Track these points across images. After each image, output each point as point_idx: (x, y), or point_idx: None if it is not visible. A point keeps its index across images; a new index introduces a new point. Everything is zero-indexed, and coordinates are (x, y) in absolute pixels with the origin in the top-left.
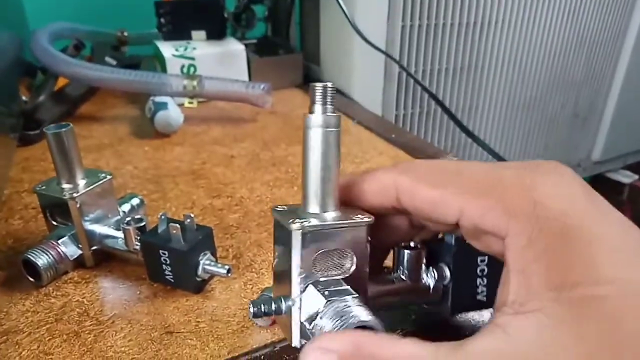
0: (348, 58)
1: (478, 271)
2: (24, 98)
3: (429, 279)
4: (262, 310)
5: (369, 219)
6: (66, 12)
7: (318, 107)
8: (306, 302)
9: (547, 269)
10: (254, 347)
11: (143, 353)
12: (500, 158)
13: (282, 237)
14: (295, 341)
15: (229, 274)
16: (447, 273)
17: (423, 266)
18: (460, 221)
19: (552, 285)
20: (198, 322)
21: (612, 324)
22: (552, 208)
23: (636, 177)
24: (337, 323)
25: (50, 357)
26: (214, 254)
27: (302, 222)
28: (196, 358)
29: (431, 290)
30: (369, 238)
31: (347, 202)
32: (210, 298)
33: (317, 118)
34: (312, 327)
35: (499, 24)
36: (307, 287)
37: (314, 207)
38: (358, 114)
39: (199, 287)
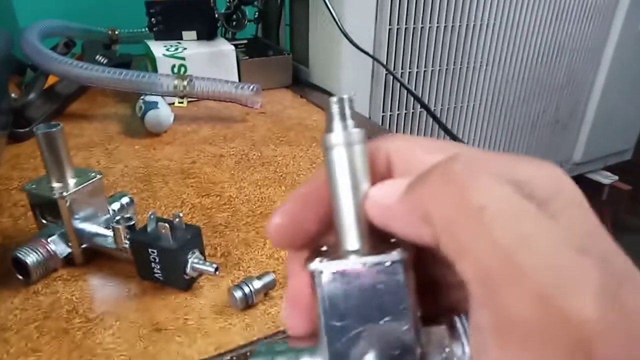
0: (336, 60)
1: None
2: (13, 95)
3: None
4: None
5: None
6: (56, 10)
7: (337, 124)
8: None
9: None
10: (240, 344)
11: (131, 349)
12: None
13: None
14: None
15: (217, 272)
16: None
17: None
18: None
19: None
20: (186, 319)
21: None
22: None
23: (616, 178)
24: None
25: (38, 354)
26: (202, 252)
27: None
28: (184, 354)
29: None
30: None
31: None
32: (199, 295)
33: (338, 136)
34: None
35: (484, 28)
36: None
37: (354, 242)
38: None
39: (188, 285)
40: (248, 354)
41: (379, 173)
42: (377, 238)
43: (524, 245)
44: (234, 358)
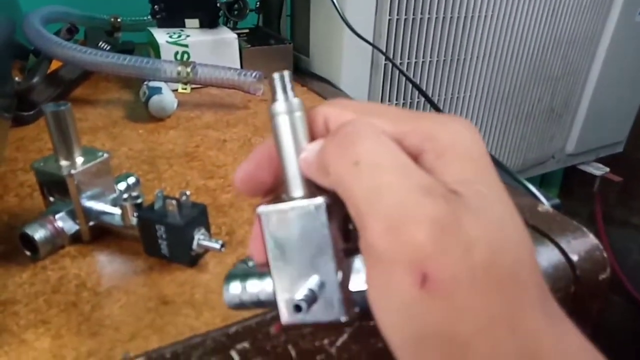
0: (336, 49)
1: None
2: (17, 79)
3: None
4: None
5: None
6: None
7: (280, 95)
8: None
9: None
10: (245, 316)
11: (139, 322)
12: None
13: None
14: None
15: (223, 249)
16: None
17: None
18: None
19: None
20: (192, 293)
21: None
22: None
23: (607, 169)
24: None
25: (48, 325)
26: (208, 230)
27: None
28: (191, 326)
29: None
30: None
31: None
32: (204, 271)
33: (281, 105)
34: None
35: (482, 19)
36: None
37: (297, 191)
38: None
39: (194, 261)
40: (254, 325)
41: (318, 133)
42: (318, 187)
43: (381, 191)
44: (240, 329)
